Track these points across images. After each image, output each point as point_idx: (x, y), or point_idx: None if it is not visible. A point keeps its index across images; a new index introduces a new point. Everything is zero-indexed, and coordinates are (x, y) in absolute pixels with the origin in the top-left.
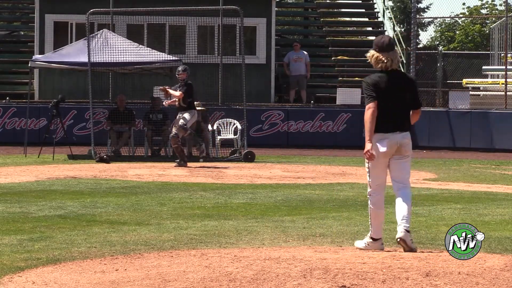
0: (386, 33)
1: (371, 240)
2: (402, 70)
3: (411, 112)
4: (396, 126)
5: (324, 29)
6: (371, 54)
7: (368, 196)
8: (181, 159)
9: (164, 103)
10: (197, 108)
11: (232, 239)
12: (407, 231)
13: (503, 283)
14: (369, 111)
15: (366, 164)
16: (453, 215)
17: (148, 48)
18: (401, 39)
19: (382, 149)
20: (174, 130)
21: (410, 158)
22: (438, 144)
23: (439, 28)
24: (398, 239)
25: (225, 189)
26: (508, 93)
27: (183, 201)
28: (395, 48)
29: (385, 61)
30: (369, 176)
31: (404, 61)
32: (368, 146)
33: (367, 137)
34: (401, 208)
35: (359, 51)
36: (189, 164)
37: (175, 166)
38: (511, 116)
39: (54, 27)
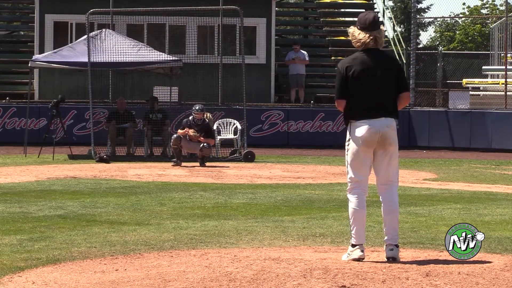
0: (386, 33)
1: (350, 247)
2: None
3: (398, 96)
4: (377, 111)
5: (324, 29)
6: (352, 31)
7: (347, 195)
8: (177, 158)
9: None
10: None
11: (232, 239)
12: (396, 245)
13: (503, 283)
14: (340, 107)
15: (346, 157)
16: (453, 215)
17: (149, 48)
18: (401, 39)
19: (360, 133)
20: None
21: (396, 154)
22: (437, 144)
23: (439, 28)
24: (390, 259)
25: (225, 189)
26: (508, 93)
27: (183, 201)
28: (381, 27)
29: (367, 40)
30: (348, 170)
31: (404, 61)
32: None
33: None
34: (387, 219)
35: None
36: (189, 164)
37: (172, 165)
38: (510, 116)
39: (54, 27)
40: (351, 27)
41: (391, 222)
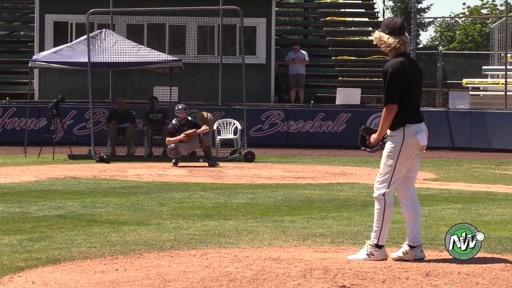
0: None
1: (375, 248)
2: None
3: None
4: (421, 115)
5: (324, 29)
6: (379, 35)
7: (384, 196)
8: (176, 159)
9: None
10: (205, 117)
11: (232, 239)
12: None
13: (503, 283)
14: (391, 113)
15: (392, 161)
16: (453, 215)
17: (148, 48)
18: None
19: (424, 141)
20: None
21: None
22: (437, 144)
23: (439, 28)
24: (422, 259)
25: (225, 189)
26: (508, 93)
27: (183, 201)
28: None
29: (397, 45)
30: (392, 173)
31: None
32: (378, 139)
33: (378, 133)
34: (417, 219)
35: (359, 51)
36: (191, 164)
37: (172, 166)
38: (510, 116)
39: (54, 27)
40: (376, 32)
41: (419, 222)
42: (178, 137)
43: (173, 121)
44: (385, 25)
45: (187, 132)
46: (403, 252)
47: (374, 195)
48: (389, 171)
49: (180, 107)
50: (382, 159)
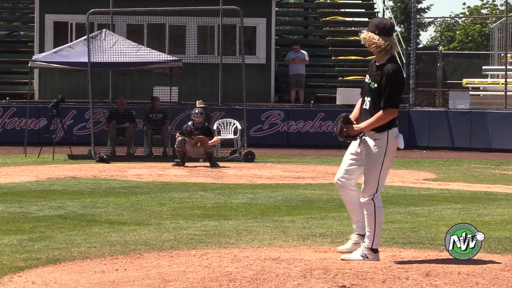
0: None
1: (370, 251)
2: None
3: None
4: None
5: (324, 29)
6: (368, 35)
7: (374, 200)
8: (180, 159)
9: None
10: (200, 106)
11: (232, 239)
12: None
13: (503, 283)
14: (390, 117)
15: (378, 165)
16: (453, 215)
17: (148, 48)
18: (401, 39)
19: (402, 145)
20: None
21: None
22: (437, 144)
23: (439, 28)
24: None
25: (225, 189)
26: (508, 93)
27: (183, 201)
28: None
29: (388, 47)
30: (379, 177)
31: (404, 61)
32: (359, 131)
33: (364, 127)
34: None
35: (359, 51)
36: (192, 164)
37: (172, 165)
38: (510, 116)
39: (54, 27)
40: (364, 31)
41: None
42: (193, 142)
43: (189, 123)
44: (374, 25)
45: (198, 136)
46: (353, 243)
47: (362, 200)
48: (375, 176)
49: (197, 111)
50: (366, 165)
